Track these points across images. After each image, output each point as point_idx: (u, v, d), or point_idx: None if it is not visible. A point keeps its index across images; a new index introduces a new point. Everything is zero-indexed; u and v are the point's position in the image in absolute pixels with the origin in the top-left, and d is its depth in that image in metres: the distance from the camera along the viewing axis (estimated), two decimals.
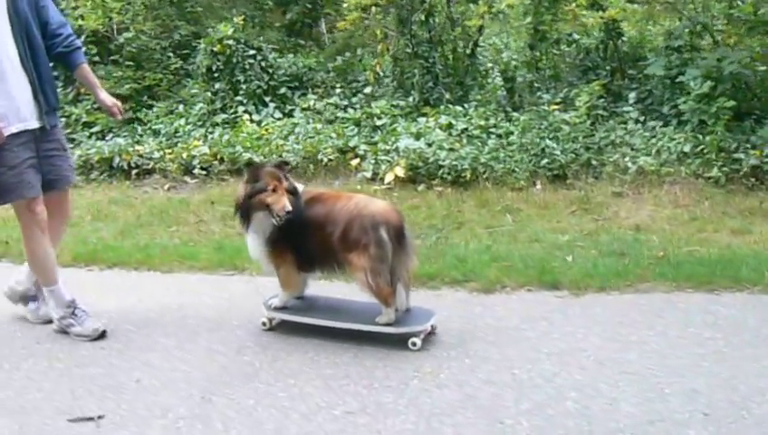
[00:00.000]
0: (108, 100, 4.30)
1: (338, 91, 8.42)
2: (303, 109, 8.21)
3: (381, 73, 8.43)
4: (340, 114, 8.13)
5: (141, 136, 8.11)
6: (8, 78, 3.88)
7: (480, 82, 8.25)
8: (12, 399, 3.57)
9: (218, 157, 7.43)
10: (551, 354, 3.83)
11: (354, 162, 7.09)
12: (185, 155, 7.46)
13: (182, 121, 8.19)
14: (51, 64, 4.11)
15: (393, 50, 8.06)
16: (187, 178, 7.44)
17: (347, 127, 7.58)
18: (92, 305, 4.34)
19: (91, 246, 5.70)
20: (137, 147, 7.71)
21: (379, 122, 7.40)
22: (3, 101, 3.84)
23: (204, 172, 7.34)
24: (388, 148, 7.00)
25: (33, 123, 3.97)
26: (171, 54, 9.12)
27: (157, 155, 7.64)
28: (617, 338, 4.00)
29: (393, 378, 3.62)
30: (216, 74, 8.39)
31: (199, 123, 8.14)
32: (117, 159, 7.62)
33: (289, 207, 3.86)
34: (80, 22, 8.65)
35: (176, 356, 3.94)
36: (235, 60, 8.31)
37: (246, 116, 7.99)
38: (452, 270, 4.93)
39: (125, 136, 8.08)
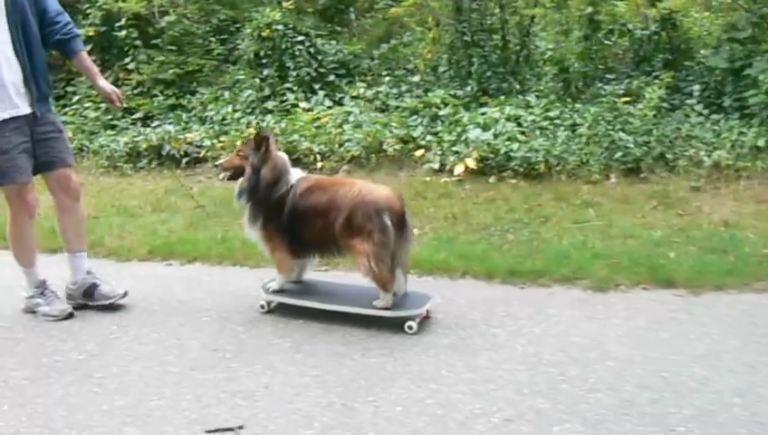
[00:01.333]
0: (107, 87, 4.30)
1: (387, 79, 8.14)
2: (353, 97, 7.94)
3: (431, 62, 8.17)
4: (392, 103, 7.90)
5: (187, 123, 7.80)
6: (0, 65, 3.88)
7: (538, 72, 8.02)
8: (135, 406, 3.30)
9: None
10: (694, 357, 3.64)
11: (418, 153, 6.84)
12: (238, 143, 7.14)
13: (229, 108, 7.87)
14: (45, 53, 4.11)
15: (449, 38, 7.78)
16: None
17: (405, 116, 7.32)
18: (189, 304, 4.13)
19: (164, 239, 5.44)
20: (187, 134, 7.39)
21: (441, 112, 7.13)
22: None
23: None
24: (453, 138, 6.77)
25: (25, 110, 3.97)
26: (213, 39, 8.77)
27: (207, 143, 7.34)
28: (754, 339, 3.82)
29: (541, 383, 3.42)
30: (264, 60, 8.09)
31: (248, 110, 7.83)
32: (167, 148, 7.31)
33: (220, 161, 4.32)
34: (120, 4, 8.31)
35: (298, 359, 3.69)
36: (283, 46, 8.01)
37: (300, 104, 7.70)
38: (559, 267, 4.73)
39: (170, 123, 7.75)
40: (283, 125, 7.28)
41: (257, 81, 8.02)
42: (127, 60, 8.49)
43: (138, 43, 8.44)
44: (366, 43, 9.16)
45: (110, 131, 7.98)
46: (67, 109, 8.48)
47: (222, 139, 7.39)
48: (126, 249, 5.28)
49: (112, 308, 4.32)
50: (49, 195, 4.33)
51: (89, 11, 8.71)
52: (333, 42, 8.75)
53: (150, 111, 8.11)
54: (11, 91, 3.91)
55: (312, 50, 8.11)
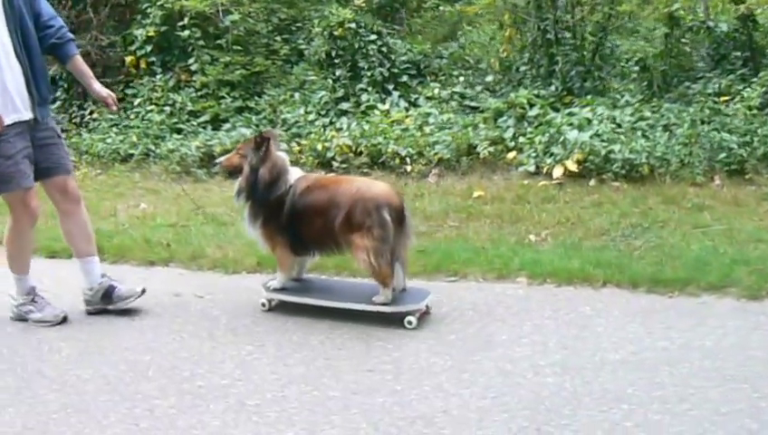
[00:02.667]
0: (102, 91, 4.27)
1: (461, 79, 7.87)
2: (428, 98, 7.66)
3: (507, 61, 7.90)
4: (468, 103, 7.63)
5: (258, 126, 7.51)
6: (3, 70, 3.87)
7: (622, 71, 7.74)
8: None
9: (355, 148, 6.86)
10: None
11: (510, 155, 6.56)
12: (319, 146, 6.88)
13: (302, 110, 7.58)
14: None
15: (530, 36, 7.50)
16: (322, 171, 6.86)
17: (491, 117, 7.03)
18: (322, 319, 3.94)
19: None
20: None
21: (530, 113, 6.84)
22: None
23: (344, 165, 6.77)
24: (546, 140, 6.49)
25: (27, 115, 3.96)
26: (278, 38, 8.48)
27: (284, 146, 7.04)
28: None
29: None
30: (336, 60, 7.81)
31: (322, 112, 7.54)
32: None
33: (220, 160, 4.35)
34: (183, 2, 8.02)
35: (466, 380, 3.40)
36: (356, 45, 7.73)
37: (379, 105, 7.41)
38: (703, 275, 4.43)
39: (243, 126, 7.46)
40: (363, 127, 6.98)
41: (330, 81, 7.72)
42: (190, 61, 8.18)
43: (201, 43, 8.14)
44: (431, 41, 8.86)
45: (176, 135, 7.68)
46: (129, 113, 8.17)
47: (299, 141, 7.10)
48: (232, 261, 4.97)
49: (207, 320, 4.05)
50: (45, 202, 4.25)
51: (148, 10, 8.40)
52: (399, 41, 8.44)
53: (218, 113, 7.80)
54: (14, 95, 3.90)
55: (384, 49, 7.82)
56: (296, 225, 4.07)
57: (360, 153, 6.84)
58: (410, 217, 4.14)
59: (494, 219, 5.57)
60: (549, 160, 6.33)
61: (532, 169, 6.36)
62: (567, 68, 7.35)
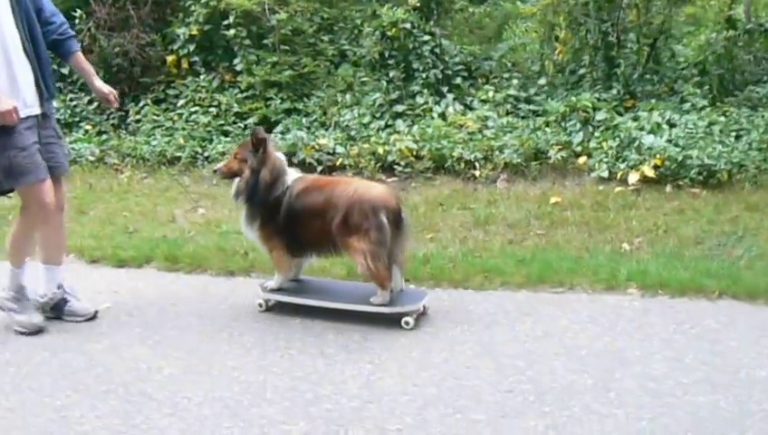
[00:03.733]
0: (104, 88, 4.28)
1: (514, 81, 7.66)
2: (482, 100, 7.46)
3: (562, 63, 7.72)
4: (523, 106, 7.44)
5: (309, 129, 7.27)
6: (13, 64, 3.86)
7: (682, 75, 7.57)
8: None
9: (415, 153, 6.64)
10: None
11: (581, 160, 6.37)
12: (380, 150, 6.65)
13: (355, 112, 7.34)
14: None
15: (592, 38, 7.31)
16: (383, 176, 6.65)
17: (557, 121, 6.84)
18: (439, 335, 3.72)
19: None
20: (320, 141, 6.86)
21: (598, 117, 6.65)
22: (8, 87, 3.82)
23: (408, 170, 6.54)
24: (615, 144, 6.30)
25: (36, 109, 3.95)
26: (325, 38, 8.23)
27: (341, 150, 6.82)
28: None
29: None
30: (389, 61, 7.58)
31: (377, 115, 7.31)
32: (300, 155, 6.78)
33: (218, 166, 4.34)
34: (228, 0, 7.76)
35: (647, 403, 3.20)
36: (410, 46, 7.50)
37: (435, 108, 7.20)
38: None
39: (298, 128, 7.21)
40: (427, 130, 6.75)
41: (384, 83, 7.49)
42: (236, 61, 7.92)
43: (247, 42, 7.87)
44: (478, 42, 8.65)
45: (223, 138, 7.42)
46: (172, 114, 7.88)
47: (356, 145, 6.86)
48: (319, 270, 4.72)
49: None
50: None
51: (192, 8, 8.12)
52: (447, 42, 8.20)
53: (266, 115, 7.54)
54: (24, 89, 3.89)
55: (437, 50, 7.60)
56: (293, 226, 4.08)
57: (422, 157, 6.61)
58: (408, 220, 4.14)
59: (580, 227, 5.37)
60: (622, 166, 6.14)
61: (605, 174, 6.16)
62: (629, 71, 7.15)
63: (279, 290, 4.24)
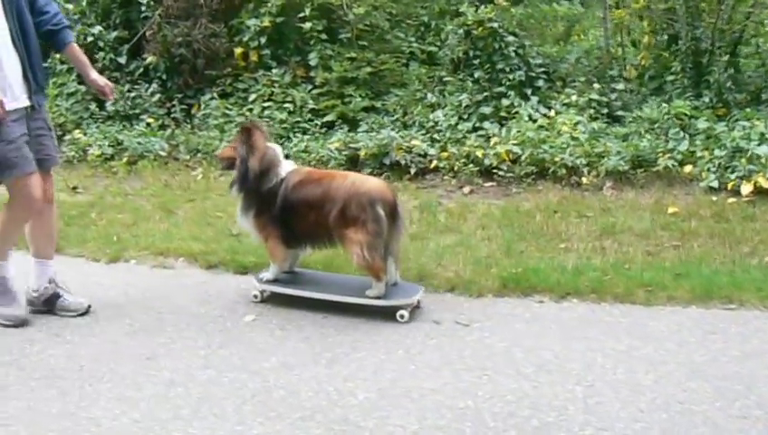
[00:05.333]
0: (100, 80, 4.25)
1: (596, 86, 7.49)
2: (565, 104, 7.27)
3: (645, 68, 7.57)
4: (604, 111, 7.28)
5: (392, 129, 6.99)
6: (0, 56, 3.82)
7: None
8: None
9: (511, 157, 6.43)
10: None
11: (687, 169, 6.21)
12: (479, 153, 6.42)
13: (440, 113, 7.10)
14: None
15: (684, 44, 7.16)
16: (480, 180, 6.42)
17: (643, 127, 6.69)
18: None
19: (512, 269, 4.63)
20: (413, 142, 6.61)
21: (700, 125, 6.51)
22: None
23: (510, 174, 6.32)
24: (723, 154, 6.16)
25: (24, 101, 3.92)
26: (401, 35, 7.96)
27: (433, 151, 6.58)
28: None
29: None
30: (474, 61, 7.35)
31: (464, 116, 7.07)
32: (392, 155, 6.52)
33: (218, 153, 4.64)
34: None
35: None
36: (496, 46, 7.28)
37: (523, 111, 6.99)
38: None
39: (374, 127, 6.96)
40: (527, 134, 6.53)
41: (469, 83, 7.25)
42: (311, 56, 7.59)
43: (323, 36, 7.55)
44: (546, 44, 8.47)
45: (300, 135, 7.10)
46: (244, 109, 7.53)
47: (445, 147, 6.63)
48: (468, 281, 4.48)
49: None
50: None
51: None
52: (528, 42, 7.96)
53: (344, 113, 7.24)
54: (12, 81, 3.85)
55: (521, 51, 7.39)
56: (289, 218, 4.14)
57: (519, 162, 6.39)
58: (403, 213, 4.23)
59: (713, 239, 5.19)
60: (732, 176, 6.00)
61: (714, 184, 6.01)
62: (723, 79, 7.03)
63: (275, 281, 4.29)
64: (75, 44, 4.25)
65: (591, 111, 7.27)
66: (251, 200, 4.20)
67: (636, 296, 4.28)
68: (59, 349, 3.82)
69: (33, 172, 3.89)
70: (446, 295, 4.41)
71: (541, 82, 7.49)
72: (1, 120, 3.75)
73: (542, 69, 7.59)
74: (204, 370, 3.56)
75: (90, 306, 4.21)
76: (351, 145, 6.67)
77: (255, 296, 4.29)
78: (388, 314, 4.02)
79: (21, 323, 4.04)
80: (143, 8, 7.86)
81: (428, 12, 8.58)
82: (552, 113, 7.04)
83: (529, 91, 7.35)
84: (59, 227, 5.63)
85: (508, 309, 4.20)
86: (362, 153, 6.59)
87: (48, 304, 4.20)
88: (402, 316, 4.00)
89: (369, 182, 4.17)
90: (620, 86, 7.68)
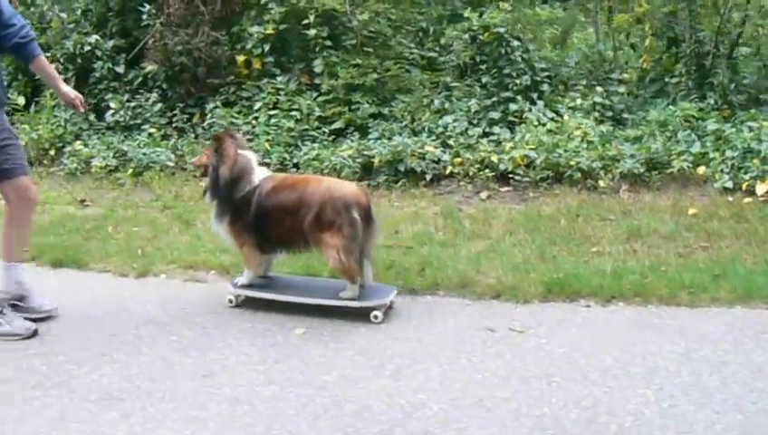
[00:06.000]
0: (70, 93, 4.27)
1: (598, 89, 7.55)
2: (570, 108, 7.32)
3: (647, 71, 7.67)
4: (608, 114, 7.36)
5: (399, 134, 6.96)
6: None
7: None
8: None
9: (525, 161, 6.45)
10: None
11: (700, 170, 6.30)
12: (494, 158, 6.42)
13: (449, 118, 7.08)
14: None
15: (688, 47, 7.27)
16: (495, 185, 6.42)
17: (652, 130, 6.77)
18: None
19: (551, 273, 4.62)
20: (427, 148, 6.58)
21: (710, 126, 6.61)
22: None
23: (526, 179, 6.34)
24: (735, 155, 6.26)
25: None
26: (404, 41, 7.92)
27: (446, 157, 6.56)
28: None
29: None
30: (481, 66, 7.35)
31: (474, 121, 7.06)
32: (407, 162, 6.48)
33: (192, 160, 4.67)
34: None
35: None
36: (502, 51, 7.30)
37: (531, 116, 7.01)
38: None
39: (385, 134, 6.93)
40: (541, 138, 6.56)
41: (477, 89, 7.25)
42: (316, 63, 7.51)
43: (328, 43, 7.48)
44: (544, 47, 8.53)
45: (309, 144, 7.02)
46: (250, 117, 7.41)
47: (457, 152, 6.62)
48: (510, 288, 4.47)
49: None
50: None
51: (270, 5, 7.65)
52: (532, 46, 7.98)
53: (352, 120, 7.18)
54: None
55: (525, 56, 7.42)
56: (264, 224, 4.20)
57: (533, 166, 6.41)
58: (377, 216, 4.33)
59: (739, 239, 5.25)
60: (746, 177, 6.10)
61: (728, 185, 6.10)
62: (726, 81, 7.15)
63: (249, 286, 4.37)
64: (43, 57, 4.21)
65: (596, 114, 7.34)
66: (224, 207, 4.26)
67: (680, 298, 4.32)
68: (108, 368, 3.70)
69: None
70: (492, 302, 4.39)
71: (545, 87, 7.52)
72: None
73: (546, 73, 7.63)
74: (267, 386, 3.48)
75: (53, 309, 4.24)
76: (365, 152, 6.61)
77: (230, 301, 4.37)
78: (361, 316, 4.11)
79: (32, 334, 4.01)
80: (144, 16, 7.69)
81: (426, 17, 8.57)
82: (565, 117, 7.06)
83: (535, 96, 7.38)
84: (76, 241, 5.58)
85: (558, 314, 4.20)
86: (376, 160, 6.53)
87: (14, 306, 4.16)
88: (376, 317, 4.09)
89: (344, 187, 4.25)
90: (621, 89, 7.77)
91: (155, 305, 4.45)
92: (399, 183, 6.44)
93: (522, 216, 5.84)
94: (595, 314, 4.23)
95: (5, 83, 4.15)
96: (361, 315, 4.13)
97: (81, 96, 4.31)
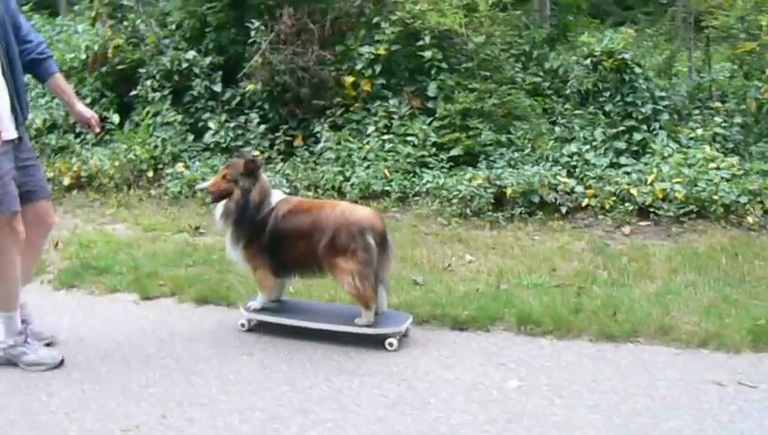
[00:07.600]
0: (86, 112, 4.18)
1: (716, 119, 7.28)
2: (691, 138, 7.06)
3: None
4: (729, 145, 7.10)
5: (522, 163, 6.68)
6: None
7: None
8: None
9: (664, 195, 6.16)
10: None
11: None
12: (633, 191, 6.14)
13: (573, 147, 6.80)
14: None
15: None
16: (635, 219, 6.13)
17: None
18: None
19: (730, 317, 4.33)
20: (560, 178, 6.31)
21: None
22: None
23: (669, 214, 6.05)
24: None
25: (12, 133, 3.80)
26: (518, 65, 7.66)
27: (580, 189, 6.28)
28: None
29: None
30: (604, 93, 7.10)
31: (600, 151, 6.79)
32: (541, 193, 6.19)
33: (204, 185, 4.50)
34: (436, 18, 7.05)
35: None
36: (626, 78, 7.05)
37: (656, 146, 6.75)
38: None
39: (502, 162, 6.70)
40: (683, 170, 6.27)
41: (600, 116, 6.98)
42: (431, 86, 7.22)
43: (444, 66, 7.20)
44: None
45: (428, 171, 6.72)
46: (363, 142, 7.11)
47: (589, 184, 6.34)
48: (716, 335, 4.16)
49: None
50: None
51: (383, 25, 7.37)
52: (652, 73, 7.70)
53: (471, 147, 6.88)
54: (2, 113, 3.72)
55: (647, 84, 7.16)
56: (278, 247, 4.16)
57: (671, 199, 6.12)
58: (393, 241, 4.26)
59: None
60: None
61: None
62: None
63: (262, 310, 4.33)
64: (59, 74, 4.13)
65: (717, 145, 7.08)
66: (241, 231, 4.21)
67: None
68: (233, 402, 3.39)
69: (17, 212, 3.73)
70: (700, 352, 4.08)
71: (665, 115, 7.26)
72: None
73: (665, 102, 7.36)
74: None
75: (53, 336, 4.15)
76: (496, 182, 6.31)
77: (243, 325, 4.34)
78: (376, 343, 4.04)
79: (59, 363, 3.90)
80: (253, 33, 7.40)
81: (526, 39, 8.31)
82: (692, 149, 6.78)
83: (657, 125, 7.12)
84: (211, 275, 5.26)
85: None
86: (509, 191, 6.24)
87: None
88: (391, 344, 4.04)
89: (359, 211, 4.20)
90: (738, 119, 7.51)
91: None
92: (535, 215, 6.15)
93: (677, 254, 5.55)
94: None
95: (27, 100, 3.99)
96: (374, 342, 4.07)
97: (96, 116, 4.19)
